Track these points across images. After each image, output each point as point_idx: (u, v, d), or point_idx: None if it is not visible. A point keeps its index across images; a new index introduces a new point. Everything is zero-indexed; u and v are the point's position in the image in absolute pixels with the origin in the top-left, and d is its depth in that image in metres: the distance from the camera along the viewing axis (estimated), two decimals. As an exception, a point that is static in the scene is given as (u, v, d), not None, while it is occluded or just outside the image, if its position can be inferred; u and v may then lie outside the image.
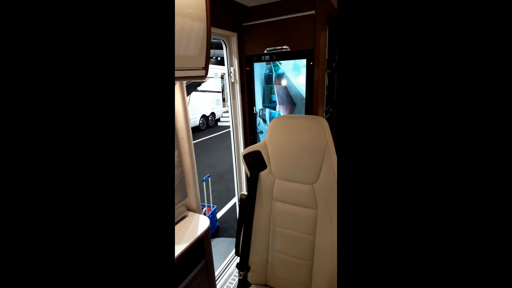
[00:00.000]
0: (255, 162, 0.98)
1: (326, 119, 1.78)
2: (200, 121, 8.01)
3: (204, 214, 2.43)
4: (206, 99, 8.26)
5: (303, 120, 0.88)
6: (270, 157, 0.95)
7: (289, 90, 1.50)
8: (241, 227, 1.00)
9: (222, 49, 1.60)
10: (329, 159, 0.86)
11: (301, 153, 0.88)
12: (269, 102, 1.61)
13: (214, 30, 1.33)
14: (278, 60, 1.48)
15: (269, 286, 1.04)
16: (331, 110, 1.78)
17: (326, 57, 1.47)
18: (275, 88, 1.55)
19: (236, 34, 1.48)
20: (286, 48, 1.41)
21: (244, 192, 1.01)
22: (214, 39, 1.42)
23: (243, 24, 1.49)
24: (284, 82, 1.50)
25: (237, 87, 1.59)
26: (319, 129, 0.85)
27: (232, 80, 1.58)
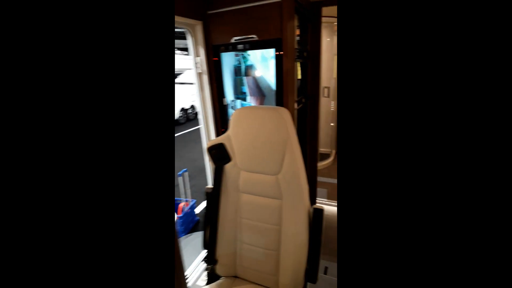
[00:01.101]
0: (219, 155, 0.96)
1: (299, 110, 1.79)
2: (180, 114, 7.81)
3: (182, 209, 2.39)
4: (185, 92, 8.04)
5: (264, 111, 0.87)
6: (234, 149, 0.93)
7: (258, 81, 1.48)
8: (207, 221, 0.99)
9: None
10: (291, 149, 0.86)
11: (264, 144, 0.87)
12: (239, 94, 1.58)
13: (177, 19, 1.26)
14: (246, 50, 1.45)
15: (239, 278, 1.04)
16: (303, 100, 1.78)
17: (296, 47, 1.45)
18: (245, 79, 1.52)
19: (201, 22, 1.42)
20: (254, 37, 1.38)
21: (210, 185, 0.99)
22: (178, 28, 1.36)
23: (208, 12, 1.43)
24: (253, 74, 1.48)
25: (205, 78, 1.54)
26: (280, 120, 0.84)
27: (199, 71, 1.53)
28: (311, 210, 0.91)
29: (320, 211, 0.87)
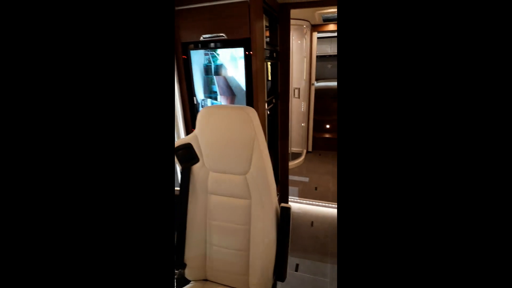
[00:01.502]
0: (186, 156, 0.93)
1: (270, 110, 1.81)
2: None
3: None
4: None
5: (231, 110, 0.86)
6: (202, 149, 0.91)
7: (228, 81, 1.46)
8: (175, 224, 0.95)
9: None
10: (258, 148, 0.86)
11: (231, 144, 0.86)
12: (210, 93, 1.55)
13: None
14: (215, 48, 1.43)
15: (209, 281, 1.02)
16: (274, 101, 1.81)
17: (265, 47, 1.47)
18: (215, 79, 1.50)
19: (167, 18, 1.37)
20: (223, 36, 1.36)
21: (177, 188, 0.95)
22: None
23: (176, 8, 1.39)
24: (223, 73, 1.46)
25: (174, 76, 1.49)
26: (246, 119, 0.84)
27: (167, 69, 1.47)
28: (279, 208, 0.92)
29: (287, 210, 0.89)
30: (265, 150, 0.87)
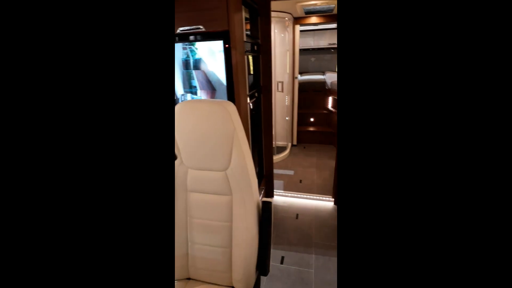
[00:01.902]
0: (163, 153, 0.90)
1: (252, 104, 1.79)
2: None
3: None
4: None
5: (208, 104, 0.83)
6: (179, 146, 0.88)
7: (208, 75, 1.43)
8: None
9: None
10: (238, 143, 0.84)
11: (210, 140, 0.84)
12: (189, 88, 1.51)
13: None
14: (194, 41, 1.38)
15: (192, 279, 1.00)
16: (256, 95, 1.79)
17: (245, 39, 1.43)
18: (194, 73, 1.46)
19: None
20: (200, 28, 1.32)
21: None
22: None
23: None
24: (202, 67, 1.42)
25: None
26: (225, 113, 0.81)
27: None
28: (260, 203, 0.91)
29: (268, 204, 0.88)
30: (245, 145, 0.85)
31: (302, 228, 1.84)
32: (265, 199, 0.91)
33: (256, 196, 0.90)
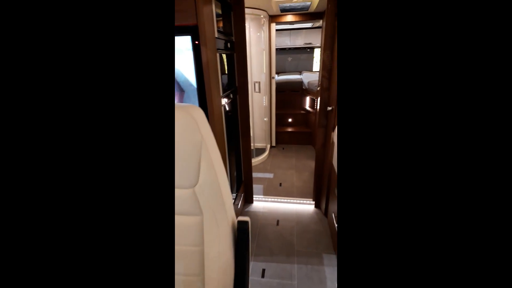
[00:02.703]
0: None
1: (228, 105, 1.67)
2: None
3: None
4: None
5: None
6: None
7: (175, 75, 1.28)
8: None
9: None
10: (207, 155, 0.72)
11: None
12: (155, 89, 1.35)
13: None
14: (158, 37, 1.23)
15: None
16: (232, 96, 1.66)
17: (216, 36, 1.31)
18: (160, 71, 1.30)
19: None
20: (165, 22, 1.17)
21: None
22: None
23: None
24: (168, 64, 1.27)
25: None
26: (190, 121, 0.68)
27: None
28: (236, 222, 0.79)
29: (245, 224, 0.77)
30: (216, 157, 0.73)
31: (283, 235, 1.76)
32: (240, 218, 0.79)
33: (230, 215, 0.78)
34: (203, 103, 1.28)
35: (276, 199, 2.16)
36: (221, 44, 1.42)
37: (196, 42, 1.19)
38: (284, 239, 1.72)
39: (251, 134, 2.93)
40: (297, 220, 1.91)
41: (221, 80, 1.45)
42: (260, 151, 3.07)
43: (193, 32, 1.17)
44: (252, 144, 2.90)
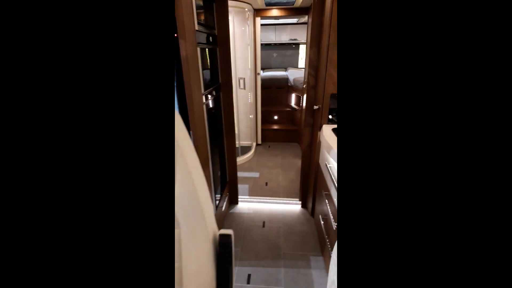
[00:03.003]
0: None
1: (211, 103, 1.58)
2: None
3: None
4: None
5: None
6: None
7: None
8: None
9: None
10: (182, 162, 0.63)
11: None
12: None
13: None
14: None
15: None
16: (214, 93, 1.57)
17: (197, 28, 1.21)
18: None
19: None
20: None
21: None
22: None
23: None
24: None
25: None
26: None
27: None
28: (217, 235, 0.72)
29: (227, 238, 0.70)
30: (193, 163, 0.65)
31: (269, 237, 1.71)
32: (222, 231, 0.72)
33: (211, 228, 0.71)
34: (182, 101, 1.19)
35: (262, 199, 2.11)
36: (202, 37, 1.33)
37: (175, 35, 1.09)
38: (270, 241, 1.67)
39: (236, 132, 2.85)
40: (283, 221, 1.87)
41: (203, 76, 1.36)
42: (246, 149, 3.00)
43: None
44: (237, 142, 2.82)
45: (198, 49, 1.24)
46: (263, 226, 1.82)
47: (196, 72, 1.22)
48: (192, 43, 1.16)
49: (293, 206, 2.04)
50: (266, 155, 3.02)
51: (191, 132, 1.22)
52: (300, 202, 2.03)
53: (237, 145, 2.81)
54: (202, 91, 1.31)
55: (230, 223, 1.85)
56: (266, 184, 2.35)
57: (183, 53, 1.11)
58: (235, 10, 2.43)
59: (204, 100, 1.34)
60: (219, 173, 1.87)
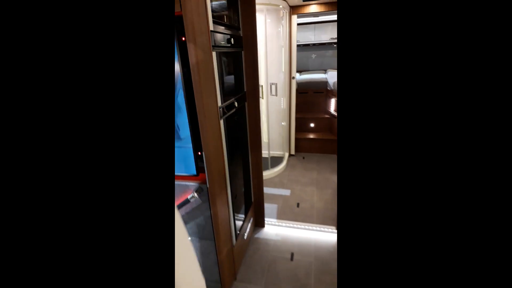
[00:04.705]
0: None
1: (234, 114, 1.37)
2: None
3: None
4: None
5: None
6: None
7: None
8: None
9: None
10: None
11: None
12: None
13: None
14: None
15: None
16: (237, 104, 1.35)
17: (212, 29, 1.00)
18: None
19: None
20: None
21: None
22: None
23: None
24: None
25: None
26: None
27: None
28: None
29: None
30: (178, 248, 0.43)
31: (298, 275, 1.42)
32: None
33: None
34: (193, 114, 0.99)
35: (292, 224, 1.83)
36: (221, 39, 1.12)
37: (183, 39, 0.90)
38: (299, 281, 1.39)
39: (266, 141, 2.61)
40: (316, 254, 1.56)
41: (222, 85, 1.15)
42: (277, 160, 2.74)
43: (177, 24, 0.88)
44: (267, 152, 2.58)
45: (214, 53, 1.03)
46: (291, 259, 1.54)
47: (210, 81, 1.02)
48: (205, 47, 0.96)
49: (329, 235, 1.71)
50: (299, 168, 2.71)
51: (203, 153, 1.02)
52: (337, 231, 1.69)
53: (266, 155, 2.56)
54: (220, 103, 1.10)
55: (254, 252, 1.61)
56: (298, 205, 2.06)
57: (192, 59, 0.91)
58: (267, 8, 2.19)
59: (222, 114, 1.13)
60: (242, 192, 1.65)
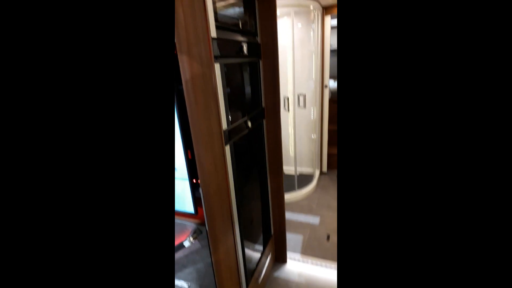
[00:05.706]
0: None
1: (248, 134, 1.15)
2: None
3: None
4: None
5: None
6: None
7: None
8: None
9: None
10: None
11: None
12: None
13: None
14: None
15: None
16: (251, 123, 1.13)
17: (214, 36, 0.80)
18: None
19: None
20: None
21: None
22: None
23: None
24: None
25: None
26: None
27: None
28: None
29: None
30: None
31: None
32: None
33: None
34: (188, 149, 0.80)
35: (319, 263, 1.52)
36: (230, 48, 0.92)
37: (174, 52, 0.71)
38: None
39: (292, 155, 2.33)
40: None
41: (228, 102, 0.94)
42: (306, 179, 2.44)
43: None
44: (293, 169, 2.30)
45: (218, 65, 0.82)
46: (317, 313, 1.24)
47: (211, 100, 0.81)
48: (203, 58, 0.76)
49: (367, 284, 1.36)
50: (331, 190, 2.37)
51: (200, 192, 0.81)
52: (379, 279, 1.34)
53: (292, 172, 2.28)
54: (225, 126, 0.89)
55: (271, 296, 1.35)
56: (328, 237, 1.73)
57: (185, 74, 0.72)
58: (295, 10, 1.95)
59: (227, 139, 0.91)
60: (260, 224, 1.41)
